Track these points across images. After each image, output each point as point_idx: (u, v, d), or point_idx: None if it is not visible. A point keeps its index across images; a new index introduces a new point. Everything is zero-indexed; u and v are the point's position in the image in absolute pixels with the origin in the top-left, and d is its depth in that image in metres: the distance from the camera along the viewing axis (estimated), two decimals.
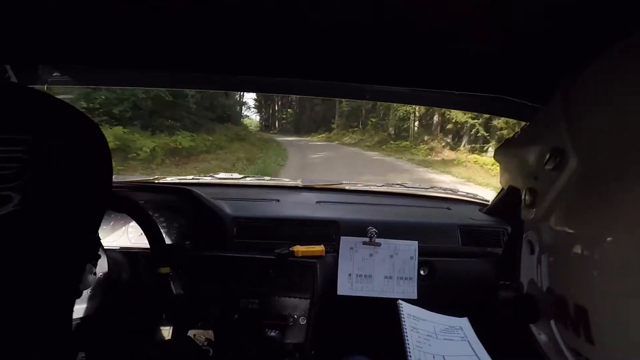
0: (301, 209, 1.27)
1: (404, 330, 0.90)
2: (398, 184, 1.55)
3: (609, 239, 0.33)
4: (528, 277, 0.47)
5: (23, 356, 0.32)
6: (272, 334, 0.99)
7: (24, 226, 0.31)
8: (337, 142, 19.06)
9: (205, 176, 1.51)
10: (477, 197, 1.53)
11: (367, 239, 1.08)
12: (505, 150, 0.57)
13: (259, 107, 33.12)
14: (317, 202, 1.36)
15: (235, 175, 1.55)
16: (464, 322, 0.99)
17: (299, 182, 1.53)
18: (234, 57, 0.80)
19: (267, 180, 1.53)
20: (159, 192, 1.19)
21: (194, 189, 1.15)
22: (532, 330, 0.50)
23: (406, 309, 0.96)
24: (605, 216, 0.33)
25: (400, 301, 0.98)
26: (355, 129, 20.24)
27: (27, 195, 0.31)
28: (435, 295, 1.09)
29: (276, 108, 32.46)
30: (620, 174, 0.33)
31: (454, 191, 1.60)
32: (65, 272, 0.36)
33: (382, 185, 1.56)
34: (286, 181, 1.55)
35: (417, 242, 1.10)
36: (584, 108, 0.40)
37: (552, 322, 0.41)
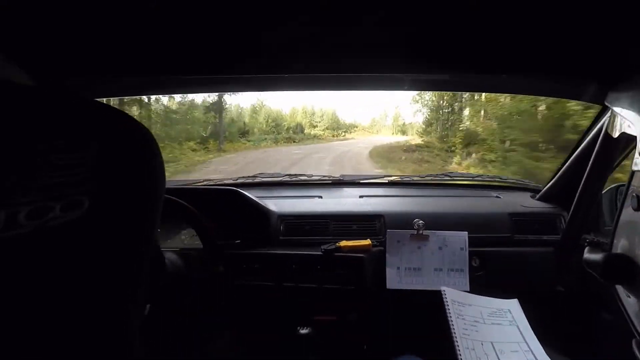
0: (345, 204, 1.27)
1: (450, 319, 0.88)
2: (442, 174, 1.50)
3: None
4: (626, 235, 0.43)
5: (84, 356, 0.33)
6: (304, 331, 0.99)
7: (94, 229, 0.33)
8: None
9: (248, 176, 1.56)
10: (528, 183, 1.45)
11: (414, 232, 1.06)
12: (623, 94, 0.51)
13: None
14: (360, 196, 1.35)
15: (277, 174, 1.58)
16: (513, 305, 0.95)
17: (340, 177, 1.53)
18: (268, 56, 0.78)
19: (309, 177, 1.54)
20: (207, 193, 1.24)
21: (239, 189, 1.19)
22: (619, 291, 0.46)
23: (450, 295, 0.95)
24: None
25: (443, 288, 0.96)
26: None
27: (96, 199, 0.33)
28: (489, 286, 1.05)
29: None
30: None
31: (502, 178, 1.52)
32: (130, 274, 0.39)
33: (426, 176, 1.53)
34: (327, 177, 1.55)
35: (466, 232, 1.06)
36: None
37: None
